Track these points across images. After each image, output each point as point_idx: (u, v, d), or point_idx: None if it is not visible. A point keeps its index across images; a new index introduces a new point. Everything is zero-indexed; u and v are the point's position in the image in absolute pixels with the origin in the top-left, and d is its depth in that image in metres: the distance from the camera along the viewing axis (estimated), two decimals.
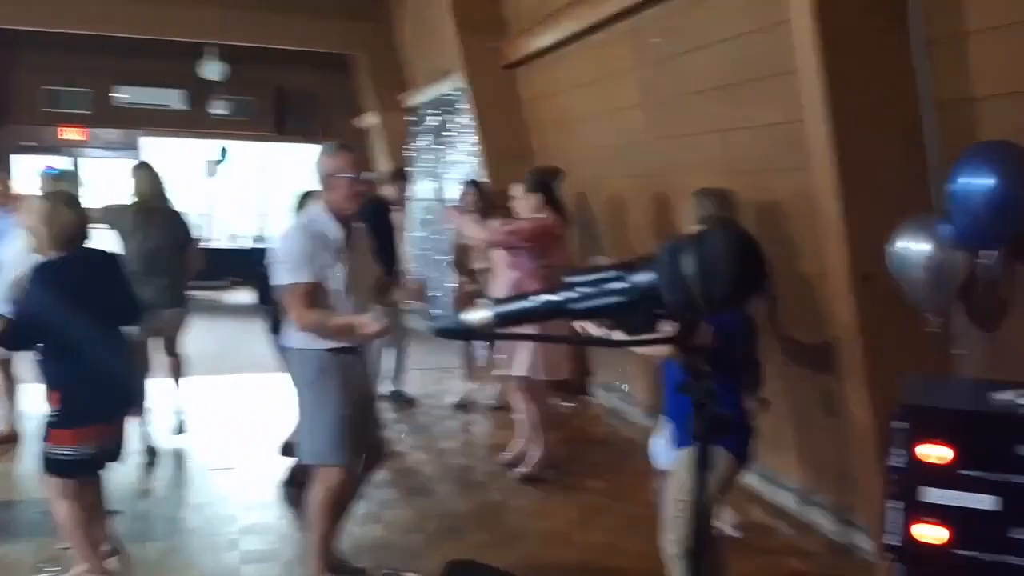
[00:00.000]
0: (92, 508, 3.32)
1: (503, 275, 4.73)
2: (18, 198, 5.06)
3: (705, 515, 2.56)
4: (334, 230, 3.17)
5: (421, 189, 9.46)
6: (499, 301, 1.16)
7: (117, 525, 3.78)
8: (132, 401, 3.63)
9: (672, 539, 2.79)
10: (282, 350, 3.94)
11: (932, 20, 3.01)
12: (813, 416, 4.10)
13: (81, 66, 11.65)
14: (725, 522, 3.81)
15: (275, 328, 4.55)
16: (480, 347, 6.16)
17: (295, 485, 4.45)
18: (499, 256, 4.80)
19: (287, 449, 4.57)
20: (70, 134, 12.71)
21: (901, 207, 2.97)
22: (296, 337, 3.22)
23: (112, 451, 3.30)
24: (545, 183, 4.75)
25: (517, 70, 6.68)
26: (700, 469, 1.45)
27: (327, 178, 3.17)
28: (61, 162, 12.75)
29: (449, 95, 8.41)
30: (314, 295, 3.10)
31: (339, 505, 3.35)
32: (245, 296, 11.80)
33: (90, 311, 3.07)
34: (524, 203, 4.71)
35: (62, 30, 9.03)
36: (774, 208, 3.97)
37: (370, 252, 3.52)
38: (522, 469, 4.79)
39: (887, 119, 3.18)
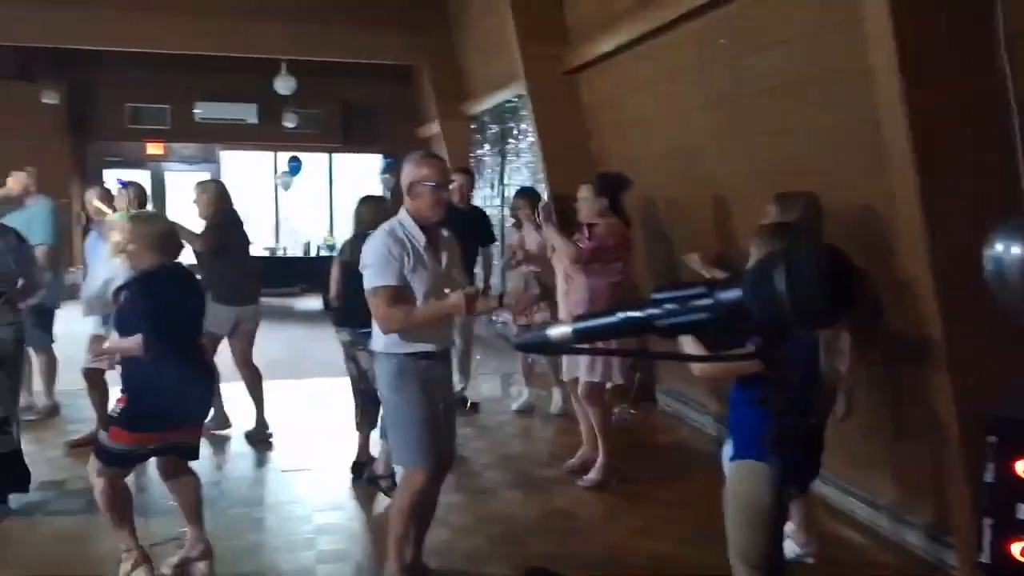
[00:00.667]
0: (129, 499, 3.51)
1: (577, 286, 4.68)
2: (104, 213, 5.30)
3: (771, 528, 2.53)
4: (418, 237, 3.19)
5: (483, 197, 9.54)
6: (579, 317, 1.15)
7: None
8: (204, 409, 3.75)
9: (736, 552, 2.74)
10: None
11: (1017, 14, 2.88)
12: (899, 425, 3.95)
13: (163, 84, 12.19)
14: (796, 543, 3.63)
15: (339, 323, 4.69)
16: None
17: (375, 484, 4.63)
18: (570, 267, 4.75)
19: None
20: (152, 149, 13.26)
21: (988, 209, 2.83)
22: (378, 340, 3.27)
23: (180, 451, 3.52)
24: (614, 188, 4.73)
25: (578, 76, 6.69)
26: (773, 482, 1.43)
27: (411, 186, 3.19)
28: (140, 176, 13.30)
29: (510, 103, 8.47)
30: (398, 298, 3.13)
31: (420, 507, 3.38)
32: (315, 303, 12.11)
33: (175, 322, 3.28)
34: (589, 205, 4.69)
35: (145, 50, 9.44)
36: (846, 211, 3.86)
37: (458, 260, 3.51)
38: (588, 476, 4.77)
39: (970, 118, 3.06)
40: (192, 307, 3.54)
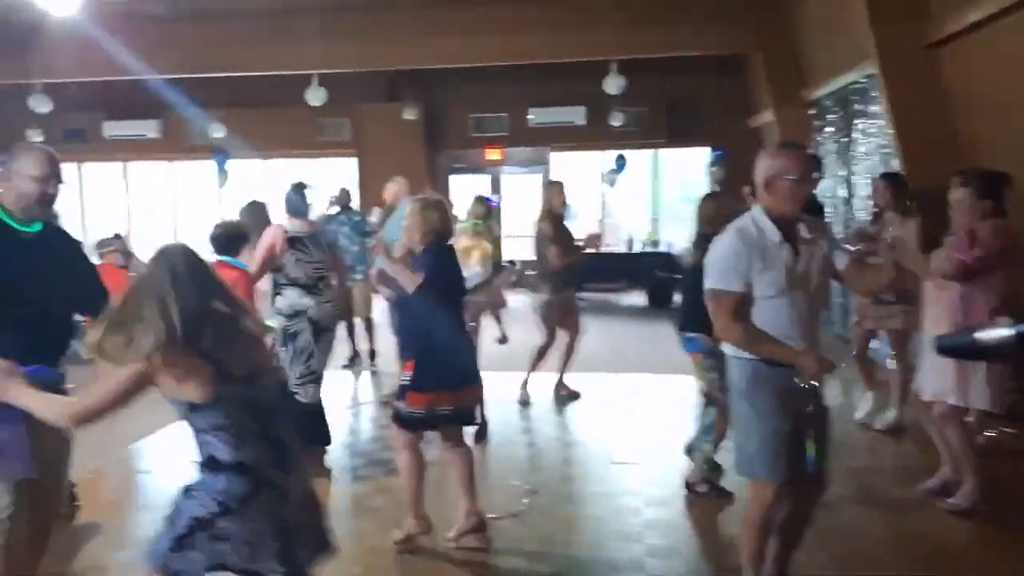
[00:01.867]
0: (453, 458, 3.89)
1: (949, 295, 4.09)
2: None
3: None
4: (772, 234, 2.96)
5: (823, 189, 8.90)
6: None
7: (528, 500, 4.26)
8: (477, 372, 4.09)
9: None
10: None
11: None
12: None
13: (501, 94, 13.20)
14: None
15: (683, 327, 4.63)
16: (886, 357, 5.59)
17: (690, 490, 4.51)
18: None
19: (689, 451, 4.62)
20: (491, 155, 14.40)
21: None
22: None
23: (462, 415, 3.89)
24: (997, 188, 4.09)
25: (940, 51, 5.94)
26: None
27: (769, 180, 2.98)
28: (480, 180, 14.49)
29: (856, 84, 7.80)
30: (740, 305, 2.95)
31: (784, 525, 3.17)
32: (638, 299, 12.27)
33: (448, 295, 3.76)
34: (968, 209, 4.08)
35: (488, 64, 10.30)
36: None
37: (820, 260, 3.13)
38: (952, 499, 4.22)
39: None
40: (460, 281, 4.00)
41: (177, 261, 2.17)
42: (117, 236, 4.01)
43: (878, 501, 4.46)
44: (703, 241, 4.47)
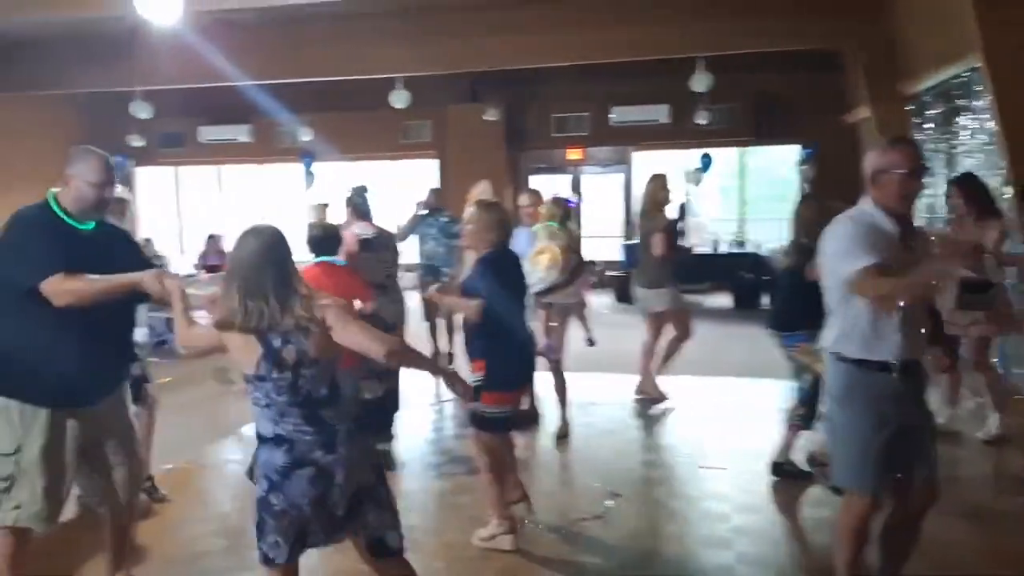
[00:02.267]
0: (506, 463, 3.93)
1: None
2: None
3: None
4: (889, 228, 2.85)
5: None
6: None
7: (613, 506, 4.19)
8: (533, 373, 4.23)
9: None
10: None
11: None
12: None
13: (582, 93, 13.11)
14: None
15: (779, 328, 4.49)
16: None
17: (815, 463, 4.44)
18: None
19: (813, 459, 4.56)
20: (572, 154, 14.33)
21: None
22: (829, 334, 3.00)
23: (528, 415, 3.96)
24: None
25: None
26: None
27: (877, 174, 2.88)
28: (560, 180, 14.43)
29: (959, 78, 7.43)
30: (883, 272, 2.71)
31: (866, 533, 3.02)
32: (724, 300, 11.99)
33: (513, 296, 3.81)
34: None
35: (567, 63, 10.23)
36: None
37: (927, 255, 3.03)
38: None
39: None
40: (521, 281, 4.05)
41: (255, 246, 2.40)
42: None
43: (975, 513, 4.18)
44: (801, 247, 4.31)
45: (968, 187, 5.14)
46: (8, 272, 2.84)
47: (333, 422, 2.45)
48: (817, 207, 4.43)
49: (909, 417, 2.92)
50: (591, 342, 6.17)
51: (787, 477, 4.61)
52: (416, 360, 2.64)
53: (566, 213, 5.71)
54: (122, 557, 3.25)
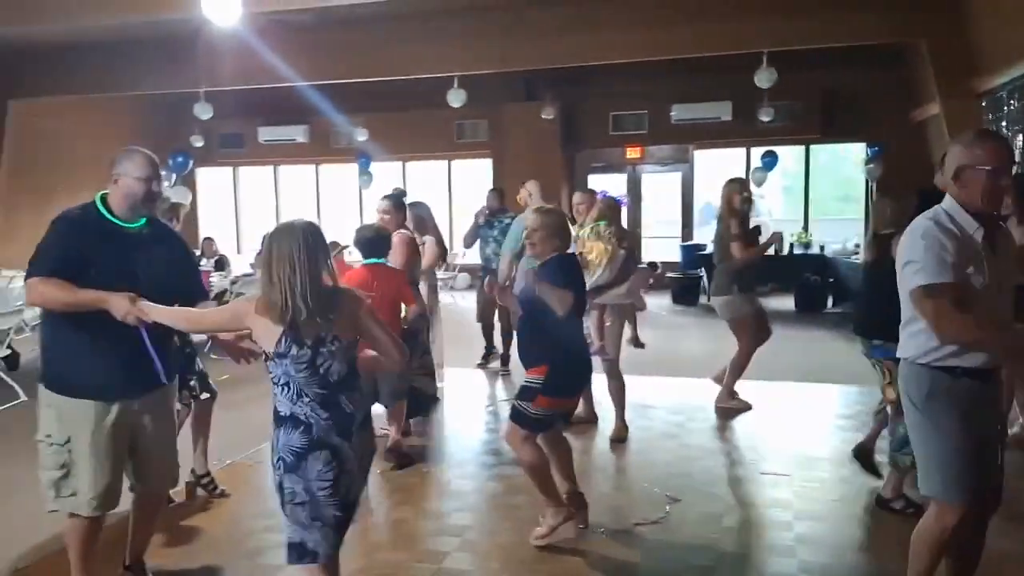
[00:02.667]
0: (546, 457, 3.86)
1: None
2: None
3: None
4: (972, 227, 2.67)
5: None
6: None
7: (672, 512, 4.11)
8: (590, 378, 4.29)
9: None
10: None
11: None
12: None
13: (642, 91, 12.94)
14: None
15: (865, 333, 4.29)
16: None
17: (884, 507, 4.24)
18: None
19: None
20: (630, 153, 14.18)
21: None
22: (907, 344, 2.84)
23: (568, 415, 4.15)
24: None
25: None
26: None
27: (961, 170, 2.68)
28: (618, 179, 14.30)
29: None
30: (958, 299, 2.62)
31: (947, 547, 2.87)
32: (786, 303, 11.69)
33: (577, 302, 3.73)
34: None
35: (626, 61, 10.09)
36: None
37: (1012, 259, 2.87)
38: None
39: None
40: (583, 287, 3.99)
41: (283, 239, 2.50)
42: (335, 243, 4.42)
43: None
44: (881, 239, 4.14)
45: (1019, 187, 4.87)
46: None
47: (349, 408, 2.54)
48: (898, 202, 4.25)
49: (992, 425, 2.80)
50: (638, 343, 6.03)
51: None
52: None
53: (615, 212, 5.61)
54: (143, 547, 3.38)
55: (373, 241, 4.82)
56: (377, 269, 4.76)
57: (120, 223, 3.02)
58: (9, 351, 7.49)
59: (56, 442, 2.99)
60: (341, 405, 2.52)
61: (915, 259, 2.68)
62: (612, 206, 5.62)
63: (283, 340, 2.44)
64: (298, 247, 2.45)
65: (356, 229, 4.98)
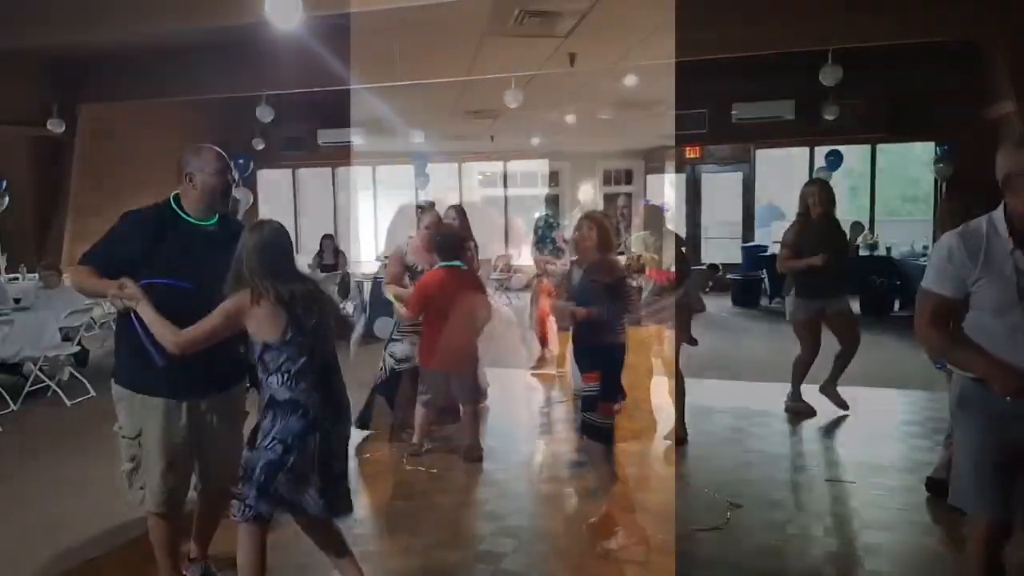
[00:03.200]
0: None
1: None
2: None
3: None
4: (1003, 239, 2.54)
5: None
6: None
7: (733, 518, 4.02)
8: None
9: None
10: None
11: None
12: None
13: (702, 90, 12.71)
14: None
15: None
16: None
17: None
18: None
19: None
20: (689, 152, 13.97)
21: None
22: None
23: None
24: None
25: None
26: None
27: (1008, 178, 2.53)
28: (676, 178, 14.09)
29: None
30: (946, 311, 2.62)
31: (996, 558, 2.73)
32: (851, 306, 11.35)
33: (617, 307, 3.81)
34: None
35: (687, 59, 9.93)
36: None
37: None
38: None
39: None
40: (625, 292, 4.05)
41: (257, 238, 2.78)
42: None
43: None
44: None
45: None
46: None
47: (339, 395, 2.85)
48: (966, 202, 4.08)
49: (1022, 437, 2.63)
50: (692, 342, 5.94)
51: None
52: None
53: (660, 219, 5.55)
54: (208, 541, 3.42)
55: (448, 245, 5.06)
56: (453, 271, 5.01)
57: (194, 221, 3.08)
58: (79, 348, 7.74)
59: (127, 435, 3.07)
60: (333, 389, 2.81)
61: (930, 260, 2.72)
62: (656, 213, 5.59)
63: (287, 329, 2.69)
64: (271, 243, 2.77)
65: (438, 233, 5.20)
